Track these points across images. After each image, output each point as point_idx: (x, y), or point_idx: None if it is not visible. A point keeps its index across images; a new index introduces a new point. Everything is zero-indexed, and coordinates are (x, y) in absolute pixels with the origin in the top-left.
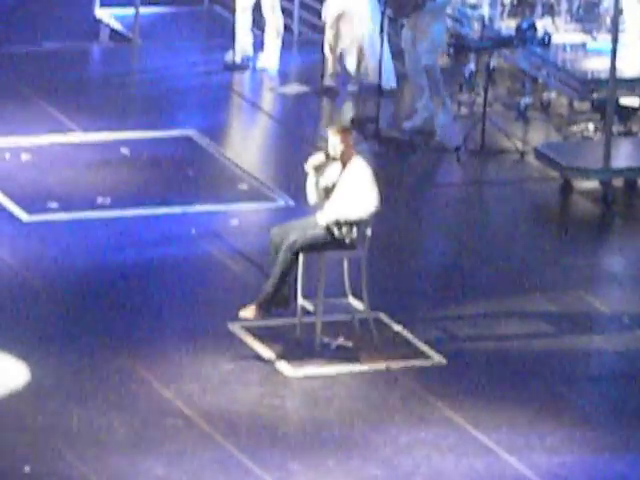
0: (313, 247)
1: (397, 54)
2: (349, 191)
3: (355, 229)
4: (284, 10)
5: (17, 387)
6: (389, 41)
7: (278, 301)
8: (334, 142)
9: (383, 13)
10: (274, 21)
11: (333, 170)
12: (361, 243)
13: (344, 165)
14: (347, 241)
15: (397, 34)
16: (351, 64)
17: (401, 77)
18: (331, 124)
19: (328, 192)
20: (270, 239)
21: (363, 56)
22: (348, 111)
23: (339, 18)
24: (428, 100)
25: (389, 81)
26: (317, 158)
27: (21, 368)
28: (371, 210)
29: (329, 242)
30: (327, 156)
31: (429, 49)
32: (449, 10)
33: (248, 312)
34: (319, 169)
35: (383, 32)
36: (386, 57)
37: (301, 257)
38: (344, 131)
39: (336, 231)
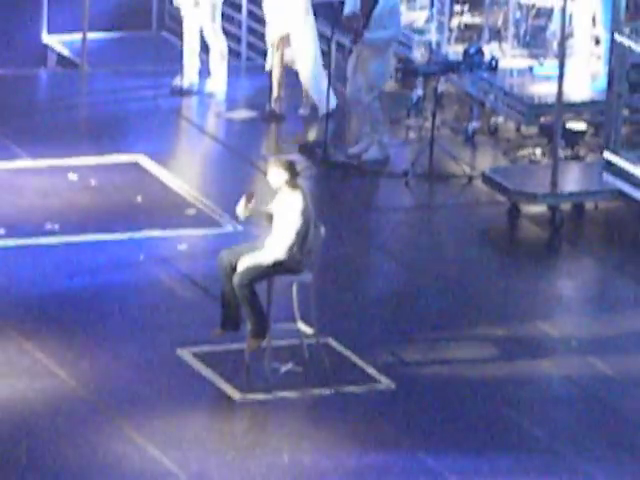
0: (263, 277)
1: (343, 79)
2: (280, 223)
3: (300, 256)
4: (232, 35)
5: None
6: (336, 66)
7: (232, 325)
8: (273, 174)
9: (330, 38)
10: (217, 45)
11: (277, 198)
12: (309, 267)
13: (283, 197)
14: (293, 265)
15: (344, 59)
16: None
17: (343, 99)
18: (274, 157)
19: (270, 219)
20: (218, 263)
21: (306, 79)
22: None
23: (282, 41)
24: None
25: (329, 103)
26: (241, 206)
27: None
28: (279, 255)
29: (278, 270)
30: (249, 197)
31: (366, 87)
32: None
33: (252, 345)
34: (251, 212)
35: (330, 55)
36: (328, 81)
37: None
38: (281, 165)
39: (282, 258)
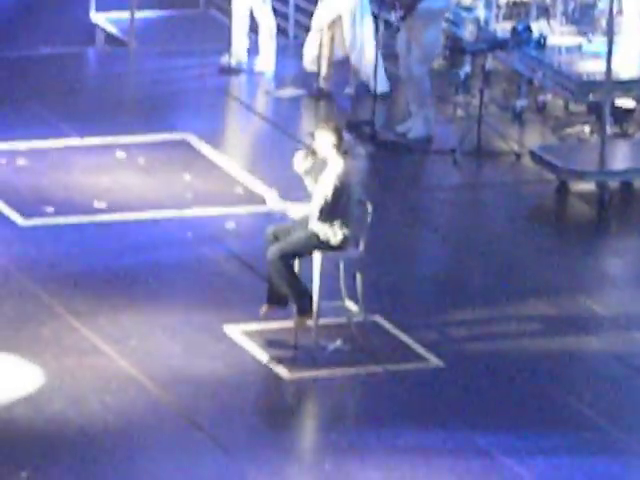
0: (298, 252)
1: (392, 57)
2: (318, 192)
3: (340, 230)
4: (280, 13)
5: (16, 390)
6: (384, 44)
7: (278, 300)
8: (320, 139)
9: (376, 16)
10: (266, 23)
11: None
12: (352, 244)
13: (329, 164)
14: (333, 242)
15: (393, 37)
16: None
17: (395, 80)
18: (321, 123)
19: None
20: (265, 238)
21: (359, 60)
22: (345, 114)
23: (334, 22)
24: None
25: (381, 85)
26: (299, 158)
27: (22, 370)
28: (314, 208)
29: (316, 245)
30: (311, 153)
31: (420, 58)
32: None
33: (299, 323)
34: (308, 170)
35: (378, 35)
36: (379, 61)
37: (296, 262)
38: (329, 130)
39: (320, 233)
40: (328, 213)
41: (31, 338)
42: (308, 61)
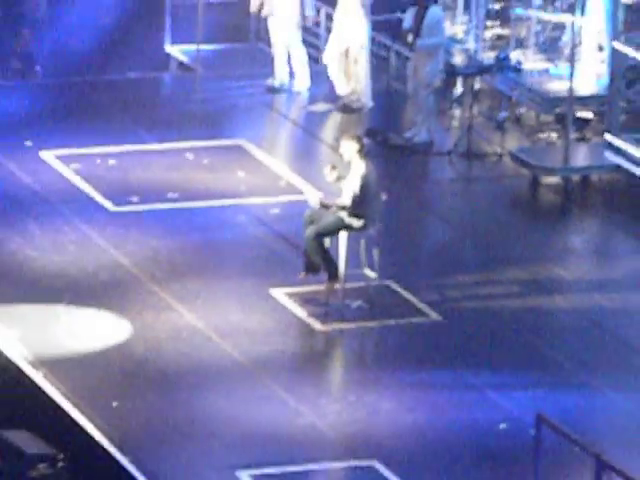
0: (328, 232)
1: (403, 79)
2: (346, 187)
3: (362, 217)
4: (312, 44)
5: (106, 339)
6: (395, 69)
7: (312, 269)
8: (345, 147)
9: (389, 48)
10: (296, 53)
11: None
12: (371, 226)
13: (353, 166)
14: (355, 225)
15: (403, 64)
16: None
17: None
18: (344, 133)
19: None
20: (304, 221)
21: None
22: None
23: (346, 52)
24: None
25: (369, 102)
26: (326, 172)
27: (112, 323)
28: (344, 202)
29: (341, 227)
30: (332, 167)
31: (423, 83)
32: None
33: (329, 286)
34: (338, 177)
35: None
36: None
37: (326, 240)
38: (352, 139)
39: (346, 218)
40: (356, 205)
41: (120, 298)
42: (340, 87)
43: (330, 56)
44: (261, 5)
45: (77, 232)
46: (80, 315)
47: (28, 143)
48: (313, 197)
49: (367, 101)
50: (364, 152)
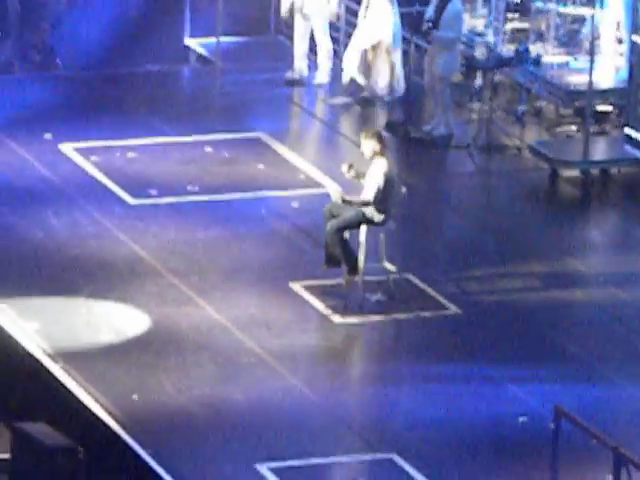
0: (351, 226)
1: (421, 72)
2: (367, 184)
3: (383, 212)
4: (333, 39)
5: (126, 332)
6: (415, 62)
7: (333, 262)
8: (365, 145)
9: (410, 40)
10: (325, 45)
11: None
12: (391, 220)
13: (374, 163)
14: (376, 220)
15: (421, 56)
16: (383, 81)
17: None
18: (363, 130)
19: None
20: (324, 213)
21: (394, 75)
22: (384, 117)
23: (373, 47)
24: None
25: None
26: (344, 170)
27: (131, 316)
28: (367, 198)
29: (362, 221)
30: (349, 166)
31: (439, 76)
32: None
33: (348, 279)
34: (356, 175)
35: (409, 55)
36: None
37: (346, 233)
38: (371, 136)
39: (367, 212)
40: (378, 201)
41: (139, 291)
42: (349, 74)
43: (353, 50)
44: (291, 9)
45: (96, 225)
46: (99, 308)
47: (47, 136)
48: (335, 193)
49: (401, 90)
50: (385, 149)
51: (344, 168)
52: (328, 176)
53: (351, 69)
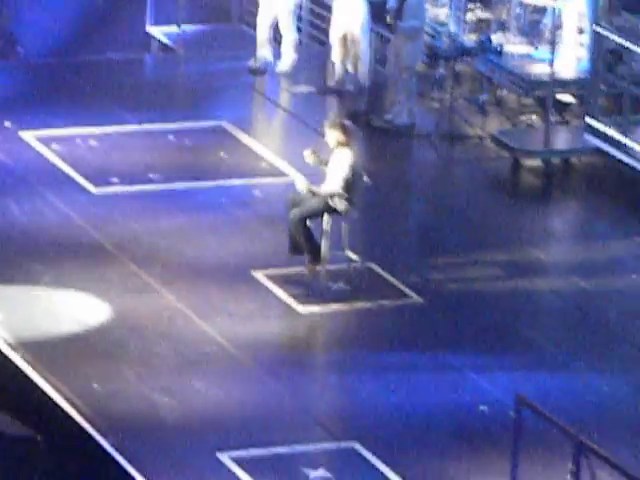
0: (314, 214)
1: (384, 61)
2: (332, 173)
3: (346, 201)
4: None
5: (87, 321)
6: (378, 51)
7: (297, 250)
8: (329, 136)
9: (372, 30)
10: (289, 35)
11: (333, 154)
12: (354, 209)
13: (337, 152)
14: (340, 209)
15: (384, 46)
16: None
17: (385, 78)
18: (328, 120)
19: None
20: (286, 201)
21: (359, 64)
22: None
23: (344, 38)
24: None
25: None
26: (306, 156)
27: (92, 305)
28: (334, 189)
29: (326, 210)
30: (312, 152)
31: (403, 65)
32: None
33: (310, 268)
34: (318, 161)
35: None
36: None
37: (309, 222)
38: (335, 126)
39: (330, 202)
40: (344, 190)
41: (100, 280)
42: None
43: (333, 39)
44: None
45: (57, 213)
46: (60, 296)
47: (7, 124)
48: (301, 183)
49: (365, 82)
50: (349, 139)
51: (306, 153)
52: (291, 165)
53: (337, 60)
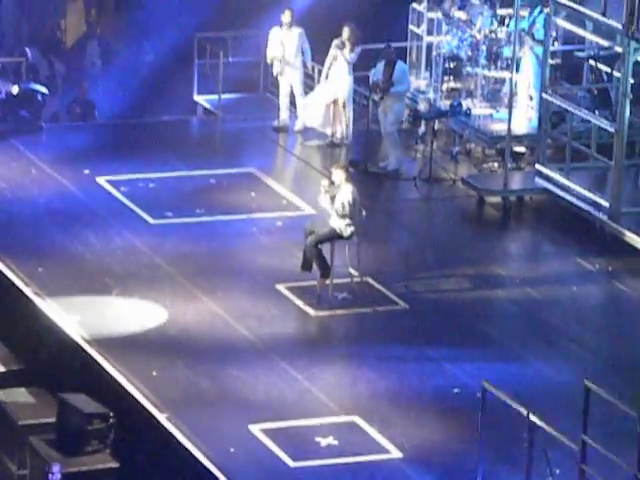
0: (325, 240)
1: (376, 121)
2: (340, 207)
3: (350, 228)
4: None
5: (147, 323)
6: (372, 113)
7: (308, 267)
8: (336, 175)
9: (367, 97)
10: (300, 100)
11: (337, 191)
12: (355, 235)
13: (341, 189)
14: (345, 235)
15: (376, 109)
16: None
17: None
18: (335, 164)
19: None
20: (304, 230)
21: (348, 125)
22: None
23: (335, 101)
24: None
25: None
26: (325, 182)
27: (151, 310)
28: (344, 208)
29: (335, 236)
30: (330, 182)
31: (392, 122)
32: (408, 94)
33: (321, 282)
34: (328, 190)
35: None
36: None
37: (320, 246)
38: (341, 169)
39: (338, 229)
40: (345, 215)
41: (158, 290)
42: (312, 121)
43: (316, 105)
44: (272, 61)
45: (123, 239)
46: (126, 303)
47: (86, 171)
48: (323, 199)
49: (350, 137)
50: (350, 178)
51: (324, 182)
52: (304, 201)
53: (314, 120)
